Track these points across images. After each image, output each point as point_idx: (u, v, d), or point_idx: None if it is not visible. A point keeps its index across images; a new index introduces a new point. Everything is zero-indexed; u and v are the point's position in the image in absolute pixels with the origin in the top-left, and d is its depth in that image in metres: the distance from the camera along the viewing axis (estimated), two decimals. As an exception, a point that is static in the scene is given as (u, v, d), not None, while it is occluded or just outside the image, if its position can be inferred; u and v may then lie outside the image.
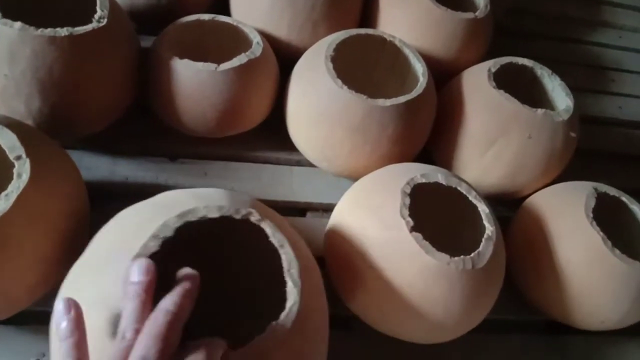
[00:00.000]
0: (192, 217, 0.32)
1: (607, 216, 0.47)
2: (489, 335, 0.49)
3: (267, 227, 0.33)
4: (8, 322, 0.38)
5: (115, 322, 0.27)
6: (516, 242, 0.50)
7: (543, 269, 0.46)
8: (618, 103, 0.72)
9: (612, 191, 0.48)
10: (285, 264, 0.32)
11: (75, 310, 0.27)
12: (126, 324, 0.26)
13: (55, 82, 0.41)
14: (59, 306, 0.27)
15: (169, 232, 0.31)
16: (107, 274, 0.30)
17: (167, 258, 0.32)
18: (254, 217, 0.33)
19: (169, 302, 0.26)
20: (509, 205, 0.56)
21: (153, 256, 0.29)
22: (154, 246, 0.30)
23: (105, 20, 0.43)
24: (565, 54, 0.76)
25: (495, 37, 0.64)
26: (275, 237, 0.33)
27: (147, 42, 0.52)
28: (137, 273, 0.27)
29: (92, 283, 0.30)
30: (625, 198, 0.49)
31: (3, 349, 0.39)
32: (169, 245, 0.31)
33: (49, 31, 0.40)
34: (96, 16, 0.43)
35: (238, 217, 0.33)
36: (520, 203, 0.53)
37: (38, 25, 0.40)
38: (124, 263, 0.29)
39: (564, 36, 0.79)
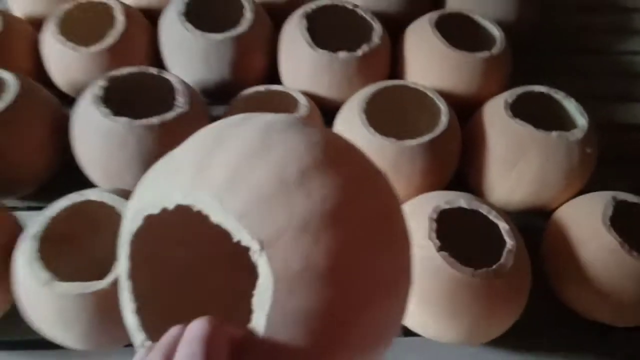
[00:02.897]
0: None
1: (628, 221, 0.52)
2: (529, 337, 0.55)
3: None
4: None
5: None
6: (549, 250, 0.56)
7: (570, 273, 0.51)
8: (649, 109, 0.75)
9: (631, 198, 0.53)
10: None
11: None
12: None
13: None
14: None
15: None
16: (171, 181, 0.27)
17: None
18: None
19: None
20: (544, 217, 0.61)
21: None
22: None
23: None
24: (594, 65, 0.80)
25: (521, 55, 0.70)
26: None
27: (219, 110, 0.65)
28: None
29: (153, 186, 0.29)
30: (645, 203, 0.53)
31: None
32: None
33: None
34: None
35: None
36: (551, 214, 0.58)
37: None
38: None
39: (592, 47, 0.83)
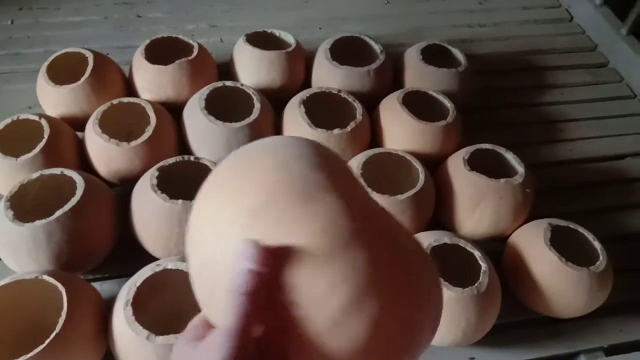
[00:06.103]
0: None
1: (564, 237, 0.71)
2: (504, 333, 0.72)
3: None
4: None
5: None
6: (508, 266, 0.74)
7: (526, 282, 0.70)
8: (568, 147, 0.97)
9: (562, 222, 0.73)
10: None
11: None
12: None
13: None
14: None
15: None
16: None
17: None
18: None
19: None
20: (501, 241, 0.80)
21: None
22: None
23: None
24: (523, 116, 1.02)
25: (469, 113, 0.91)
26: None
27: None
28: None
29: None
30: (572, 225, 0.73)
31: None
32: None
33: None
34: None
35: None
36: (507, 239, 0.77)
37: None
38: None
39: (521, 102, 1.05)
